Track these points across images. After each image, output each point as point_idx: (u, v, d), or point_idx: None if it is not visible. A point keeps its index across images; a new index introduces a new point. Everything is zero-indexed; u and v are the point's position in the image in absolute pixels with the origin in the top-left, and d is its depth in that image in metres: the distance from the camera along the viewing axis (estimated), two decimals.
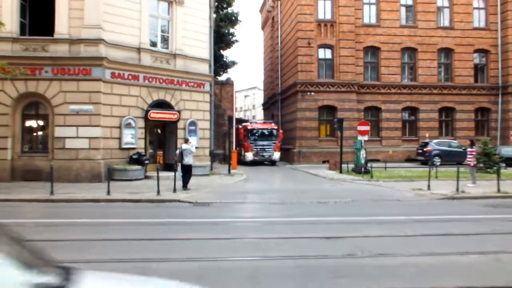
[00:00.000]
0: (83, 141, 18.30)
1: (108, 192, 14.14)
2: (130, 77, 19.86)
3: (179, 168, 16.45)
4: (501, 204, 13.68)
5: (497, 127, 34.00)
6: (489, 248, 7.84)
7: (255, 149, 31.66)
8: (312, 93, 31.62)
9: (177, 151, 17.61)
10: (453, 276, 6.28)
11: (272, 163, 32.45)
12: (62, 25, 18.31)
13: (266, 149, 31.82)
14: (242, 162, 31.25)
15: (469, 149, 18.45)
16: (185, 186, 16.24)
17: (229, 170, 23.62)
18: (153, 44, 21.26)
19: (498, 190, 15.56)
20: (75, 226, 9.95)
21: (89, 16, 18.43)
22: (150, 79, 20.75)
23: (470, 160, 18.04)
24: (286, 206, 13.51)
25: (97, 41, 18.43)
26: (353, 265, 6.90)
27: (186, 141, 17.31)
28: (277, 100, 40.06)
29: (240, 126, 34.33)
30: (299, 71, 32.13)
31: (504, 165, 24.32)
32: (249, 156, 31.62)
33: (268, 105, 46.89)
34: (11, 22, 17.96)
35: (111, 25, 19.05)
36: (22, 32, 18.79)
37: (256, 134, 32.03)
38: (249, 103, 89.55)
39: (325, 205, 13.44)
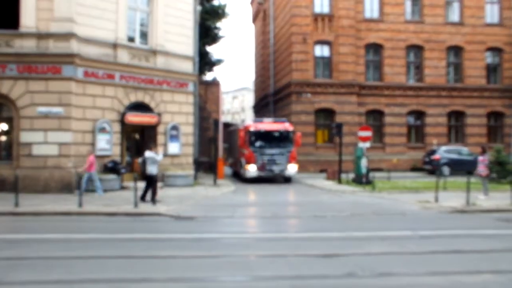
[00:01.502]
0: (52, 147, 18.19)
1: (80, 204, 14.06)
2: (105, 76, 19.80)
3: (85, 176, 16.65)
4: None
5: (511, 134, 34.33)
6: (503, 267, 7.95)
7: (262, 160, 24.79)
8: (308, 95, 31.72)
9: (140, 159, 17.47)
10: None
11: (286, 180, 25.99)
12: (28, 18, 18.17)
13: (277, 160, 24.99)
14: (239, 177, 27.15)
15: (480, 158, 18.53)
16: (143, 198, 15.83)
17: (214, 181, 23.58)
18: (131, 39, 21.24)
19: None
20: (42, 242, 9.90)
21: (60, 8, 18.32)
22: (128, 78, 20.70)
23: (482, 169, 18.14)
24: (279, 220, 13.56)
25: (69, 35, 18.35)
26: (353, 285, 6.96)
27: (151, 147, 17.13)
28: (269, 102, 40.05)
29: (239, 127, 28.62)
30: (294, 70, 32.24)
31: None
32: (252, 170, 24.80)
33: (259, 108, 46.88)
34: None
35: (84, 18, 18.97)
36: None
37: (263, 139, 25.31)
38: (237, 105, 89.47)
39: (322, 219, 13.49)
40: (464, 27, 34.15)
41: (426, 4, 33.74)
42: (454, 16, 34.50)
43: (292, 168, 25.30)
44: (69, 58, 18.28)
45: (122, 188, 19.30)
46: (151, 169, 16.17)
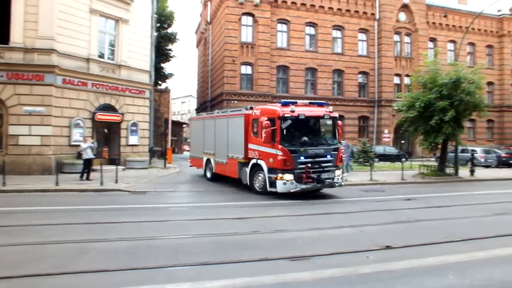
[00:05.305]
0: (35, 138, 16.90)
1: (57, 183, 13.15)
2: (79, 83, 18.60)
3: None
4: (371, 189, 14.44)
5: (373, 131, 35.95)
6: (357, 223, 8.22)
7: (301, 166, 11.54)
8: (235, 101, 31.40)
9: (80, 149, 16.10)
10: (329, 245, 6.46)
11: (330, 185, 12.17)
12: (17, 35, 16.75)
13: (326, 165, 12.08)
14: (235, 184, 14.46)
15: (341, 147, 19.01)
16: (84, 177, 15.12)
17: (164, 164, 22.93)
18: (101, 55, 20.09)
19: (371, 179, 16.45)
20: (21, 213, 9.18)
21: (43, 28, 17.00)
22: (98, 86, 19.59)
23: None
24: (209, 193, 13.34)
25: (50, 51, 17.09)
26: (256, 239, 6.93)
27: (85, 140, 16.30)
28: (207, 106, 39.50)
29: (241, 112, 13.79)
30: (225, 83, 31.82)
31: (377, 160, 25.80)
32: (288, 180, 11.49)
33: (200, 111, 46.05)
34: None
35: (63, 37, 17.74)
36: None
37: (300, 130, 12.02)
38: (185, 108, 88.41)
39: (239, 193, 13.36)
40: (344, 56, 35.17)
41: (319, 39, 34.39)
42: (338, 48, 35.37)
43: (339, 175, 12.68)
44: (50, 68, 17.03)
45: (92, 170, 18.24)
46: (88, 154, 15.38)
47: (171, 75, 37.42)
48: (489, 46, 40.93)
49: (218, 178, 15.64)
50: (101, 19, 19.94)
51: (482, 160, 27.12)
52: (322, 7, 34.13)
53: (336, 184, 12.22)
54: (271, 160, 11.83)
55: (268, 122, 11.65)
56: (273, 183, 11.76)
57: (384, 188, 14.36)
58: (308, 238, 6.99)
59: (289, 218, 8.95)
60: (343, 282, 4.77)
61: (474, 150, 26.57)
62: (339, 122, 13.11)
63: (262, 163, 12.25)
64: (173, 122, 40.52)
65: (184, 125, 59.62)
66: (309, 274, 4.96)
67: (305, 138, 11.73)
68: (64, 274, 4.94)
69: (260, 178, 12.42)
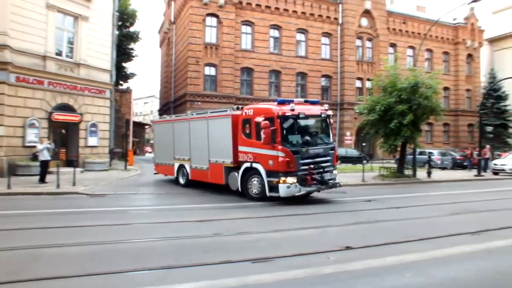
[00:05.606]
0: None
1: (9, 186, 12.53)
2: (35, 81, 17.87)
3: None
4: (333, 191, 13.56)
5: (336, 133, 36.66)
6: (320, 224, 8.38)
7: (305, 167, 11.14)
8: (199, 103, 31.13)
9: (36, 150, 15.36)
10: (292, 246, 6.52)
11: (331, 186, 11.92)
12: None
13: (325, 165, 11.76)
14: (216, 188, 13.68)
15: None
16: (42, 180, 14.50)
17: (125, 166, 22.42)
18: (59, 53, 19.39)
19: None
20: None
21: None
22: (55, 85, 18.89)
23: None
24: (172, 195, 13.16)
25: (2, 47, 16.34)
26: (218, 241, 6.90)
27: (41, 141, 15.61)
28: (170, 107, 38.92)
29: (249, 114, 12.02)
30: (188, 84, 31.51)
31: (339, 162, 26.19)
32: (291, 184, 10.87)
33: (163, 112, 45.37)
34: None
35: (17, 33, 17.01)
36: None
37: (300, 130, 11.63)
38: (148, 109, 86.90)
39: (202, 195, 13.27)
40: (308, 60, 35.73)
41: (283, 42, 34.76)
42: (302, 51, 35.89)
43: (336, 175, 12.56)
44: (3, 65, 16.27)
45: (48, 172, 17.54)
46: (45, 156, 14.80)
47: (133, 75, 36.88)
48: (446, 53, 42.90)
49: (193, 184, 14.66)
50: (59, 15, 19.25)
51: (439, 162, 28.36)
52: (286, 10, 34.55)
53: (337, 185, 12.04)
54: (270, 162, 11.07)
55: (267, 122, 10.94)
56: (273, 187, 11.06)
57: (346, 190, 14.68)
58: (271, 240, 7.05)
59: (252, 220, 8.98)
60: (305, 283, 4.84)
61: (431, 153, 27.75)
62: (332, 121, 12.84)
63: (258, 166, 11.42)
64: (135, 123, 39.70)
65: (147, 126, 58.52)
66: (272, 275, 5.00)
67: (308, 138, 11.44)
68: (16, 282, 4.71)
69: (255, 182, 11.61)
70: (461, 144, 41.23)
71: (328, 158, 11.87)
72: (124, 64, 34.45)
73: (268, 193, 11.23)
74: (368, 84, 35.56)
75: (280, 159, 10.88)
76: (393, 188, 16.47)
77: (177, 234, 7.32)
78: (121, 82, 35.05)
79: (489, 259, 5.97)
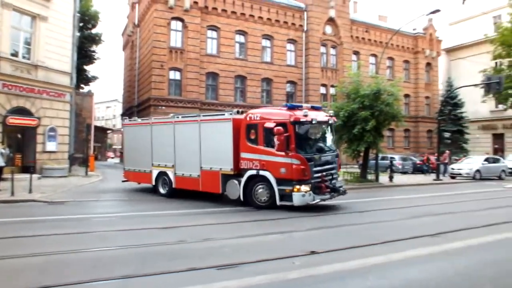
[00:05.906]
0: None
1: None
2: None
3: None
4: None
5: None
6: (285, 229, 8.43)
7: (318, 175, 11.05)
8: (163, 107, 30.64)
9: None
10: (257, 252, 6.48)
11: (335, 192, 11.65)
12: None
13: (333, 172, 11.83)
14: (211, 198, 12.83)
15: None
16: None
17: (86, 172, 21.72)
18: (15, 54, 18.60)
19: None
20: None
21: None
22: (10, 87, 18.08)
23: None
24: (134, 202, 12.85)
25: None
26: (183, 248, 6.80)
27: None
28: (133, 111, 38.09)
29: (256, 119, 11.41)
30: (153, 88, 31.01)
31: None
32: (305, 192, 10.56)
33: (126, 116, 44.36)
34: None
35: None
36: None
37: (309, 137, 11.67)
38: (110, 113, 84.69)
39: (166, 200, 13.05)
40: (273, 66, 36.02)
41: (249, 47, 34.89)
42: (267, 57, 36.12)
43: (342, 181, 12.99)
44: None
45: (2, 179, 16.66)
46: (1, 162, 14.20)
47: (95, 78, 35.73)
48: (406, 61, 44.50)
49: (177, 193, 13.41)
50: (15, 14, 18.48)
51: (400, 167, 29.30)
52: (252, 16, 34.75)
53: (346, 192, 12.01)
54: (283, 170, 10.62)
55: (281, 128, 10.44)
56: (285, 196, 10.64)
57: None
58: (236, 246, 7.00)
59: (217, 226, 8.90)
60: None
61: (393, 158, 28.57)
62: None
63: (267, 174, 10.88)
64: (97, 128, 38.64)
65: (109, 131, 57.06)
66: (237, 282, 4.96)
67: (321, 144, 11.41)
68: None
69: (261, 191, 11.08)
70: (421, 149, 42.74)
71: (335, 165, 11.88)
72: (85, 67, 33.37)
73: (278, 202, 10.81)
74: (332, 91, 36.14)
75: (294, 166, 10.51)
76: (357, 192, 16.79)
77: (140, 241, 7.13)
78: (82, 85, 33.95)
79: (448, 260, 6.19)
